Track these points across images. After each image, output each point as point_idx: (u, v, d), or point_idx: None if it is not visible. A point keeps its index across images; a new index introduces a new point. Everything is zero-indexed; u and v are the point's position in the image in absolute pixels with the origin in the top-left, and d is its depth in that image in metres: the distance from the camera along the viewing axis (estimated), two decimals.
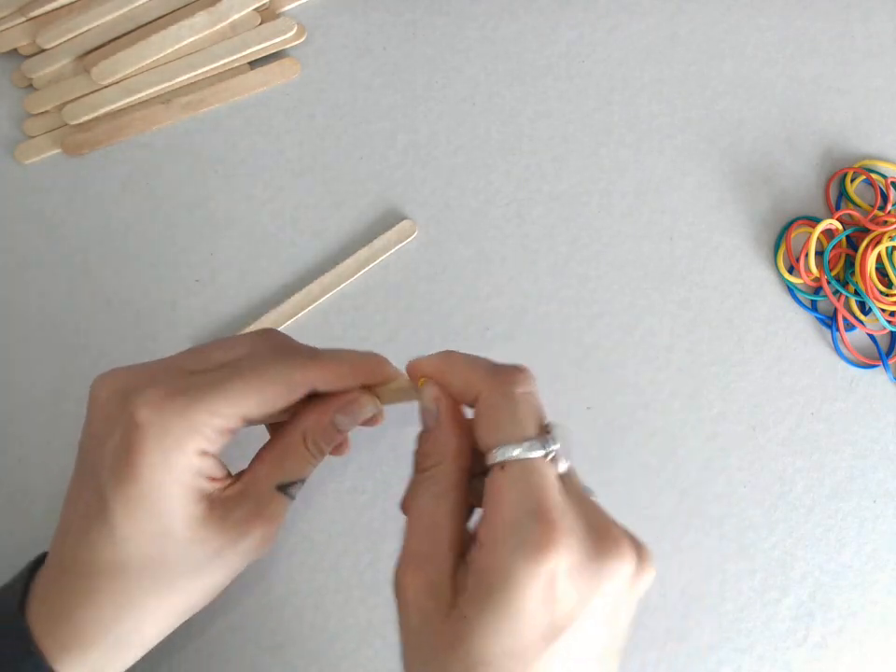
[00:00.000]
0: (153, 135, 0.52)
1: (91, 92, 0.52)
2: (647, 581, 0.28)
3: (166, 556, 0.30)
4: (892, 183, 0.51)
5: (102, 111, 0.51)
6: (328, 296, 0.48)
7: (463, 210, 0.51)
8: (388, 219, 0.50)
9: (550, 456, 0.28)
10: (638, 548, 0.28)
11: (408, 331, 0.48)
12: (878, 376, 0.49)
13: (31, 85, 0.52)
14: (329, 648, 0.43)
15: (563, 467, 0.28)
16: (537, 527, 0.26)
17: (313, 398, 0.33)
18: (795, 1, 0.56)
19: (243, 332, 0.35)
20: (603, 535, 0.27)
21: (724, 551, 0.45)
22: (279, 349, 0.33)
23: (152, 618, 0.31)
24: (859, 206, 0.51)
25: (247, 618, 0.43)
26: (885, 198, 0.51)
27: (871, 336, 0.49)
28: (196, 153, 0.51)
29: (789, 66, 0.54)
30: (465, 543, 0.29)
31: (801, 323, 0.49)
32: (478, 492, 0.30)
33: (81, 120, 0.51)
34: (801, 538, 0.46)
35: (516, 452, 0.28)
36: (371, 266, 0.49)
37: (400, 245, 0.49)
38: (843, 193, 0.52)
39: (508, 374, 0.30)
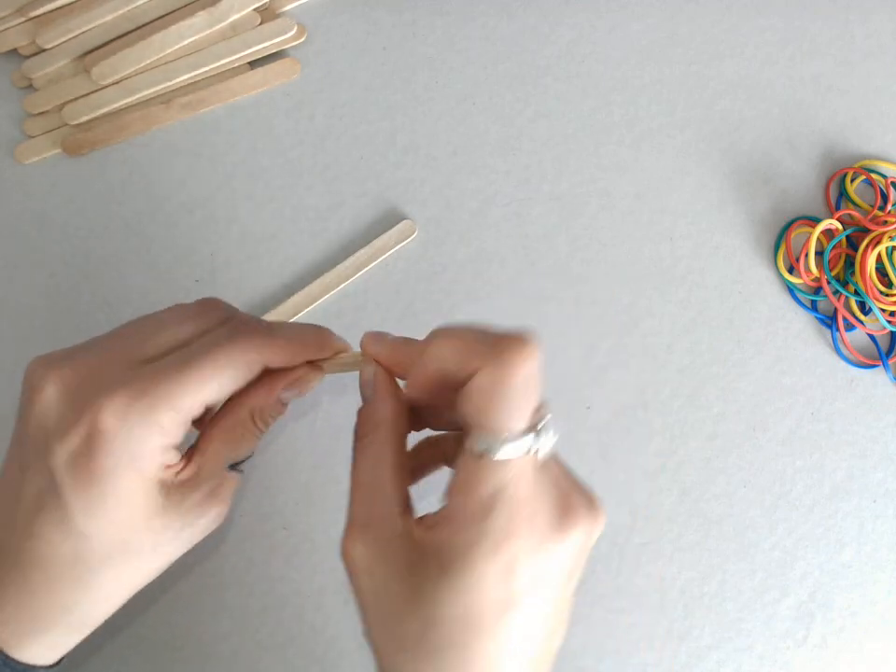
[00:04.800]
0: (153, 135, 0.52)
1: (91, 92, 0.52)
2: (598, 534, 0.29)
3: (126, 546, 0.30)
4: (892, 183, 0.51)
5: (102, 111, 0.51)
6: (328, 296, 0.48)
7: (463, 210, 0.51)
8: (388, 219, 0.50)
9: (531, 452, 0.27)
10: (593, 509, 0.28)
11: (408, 332, 0.48)
12: (878, 376, 0.49)
13: (31, 85, 0.52)
14: (329, 648, 0.43)
15: (544, 454, 0.28)
16: (501, 519, 0.26)
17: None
18: (795, 1, 0.56)
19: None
20: (564, 510, 0.28)
21: (724, 551, 0.45)
22: (227, 324, 0.33)
23: (108, 597, 0.31)
24: (859, 206, 0.51)
25: (247, 618, 0.43)
26: (885, 198, 0.51)
27: (871, 336, 0.49)
28: (196, 153, 0.51)
29: (789, 66, 0.54)
30: (409, 503, 0.29)
31: (801, 323, 0.49)
32: (444, 449, 0.32)
33: (81, 120, 0.51)
34: (801, 538, 0.46)
35: (500, 448, 0.26)
36: (371, 266, 0.49)
37: (400, 245, 0.49)
38: (843, 193, 0.52)
39: (511, 351, 0.27)
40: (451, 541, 0.27)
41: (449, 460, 0.34)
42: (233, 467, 0.33)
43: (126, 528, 0.30)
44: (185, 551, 0.33)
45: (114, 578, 0.31)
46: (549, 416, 0.28)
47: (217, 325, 0.32)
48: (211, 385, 0.30)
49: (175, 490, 0.31)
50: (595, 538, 0.29)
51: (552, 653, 0.29)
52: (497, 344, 0.27)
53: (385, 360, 0.32)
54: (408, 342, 0.32)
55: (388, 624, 0.28)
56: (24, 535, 0.30)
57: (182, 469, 0.32)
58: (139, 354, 0.31)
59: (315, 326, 0.35)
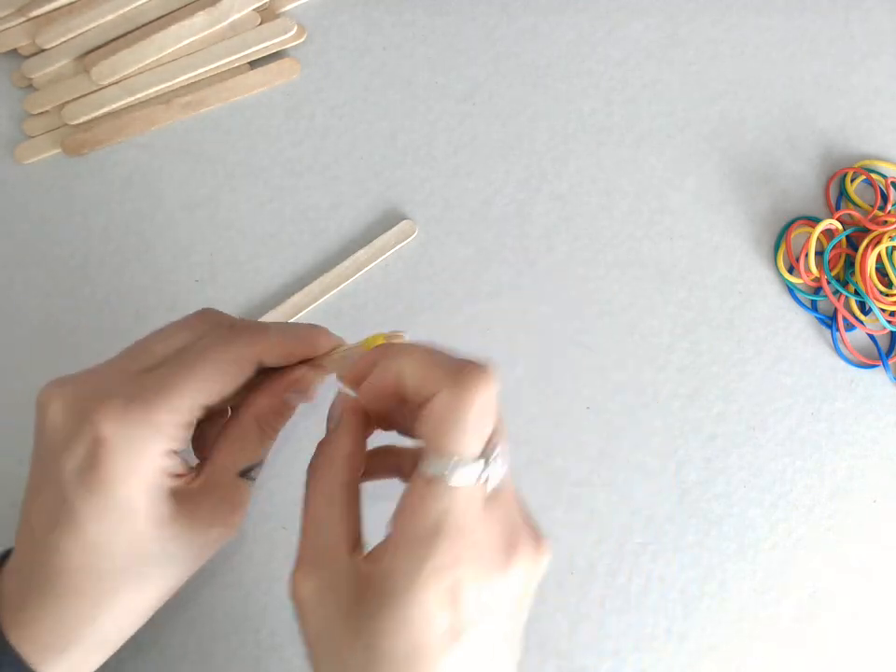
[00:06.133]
0: (153, 135, 0.52)
1: (91, 92, 0.52)
2: (544, 567, 0.29)
3: (138, 556, 0.30)
4: (892, 183, 0.51)
5: (102, 111, 0.51)
6: (328, 296, 0.48)
7: (463, 210, 0.51)
8: (388, 219, 0.50)
9: (482, 480, 0.27)
10: (539, 545, 0.29)
11: (408, 332, 0.48)
12: (878, 376, 0.49)
13: (31, 85, 0.52)
14: None
15: (494, 483, 0.27)
16: (445, 545, 0.26)
17: (261, 376, 0.33)
18: (795, 1, 0.56)
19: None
20: (511, 541, 0.28)
21: (724, 551, 0.45)
22: (220, 328, 0.33)
23: (128, 612, 0.31)
24: (859, 206, 0.51)
25: (247, 618, 0.43)
26: (885, 198, 0.51)
27: (871, 336, 0.49)
28: (196, 153, 0.51)
29: (789, 66, 0.54)
30: (358, 539, 0.29)
31: (801, 323, 0.49)
32: (400, 463, 0.32)
33: (81, 120, 0.51)
34: (801, 538, 0.46)
35: (451, 474, 0.26)
36: (370, 266, 0.49)
37: (400, 245, 0.49)
38: (843, 193, 0.52)
39: (470, 377, 0.27)
40: (393, 569, 0.27)
41: (403, 474, 0.34)
42: (245, 475, 0.33)
43: (137, 538, 0.30)
44: (202, 562, 0.33)
45: (132, 591, 0.31)
46: (500, 447, 0.27)
47: (210, 331, 0.33)
48: (206, 383, 0.31)
49: (186, 499, 0.31)
50: (538, 574, 0.29)
51: None
52: (458, 370, 0.27)
53: (403, 377, 0.30)
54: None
55: (332, 662, 0.28)
56: (43, 550, 0.30)
57: (193, 480, 0.32)
58: (137, 365, 0.31)
59: (309, 324, 0.35)
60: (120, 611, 0.31)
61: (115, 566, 0.30)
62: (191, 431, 0.31)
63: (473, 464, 0.26)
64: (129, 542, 0.30)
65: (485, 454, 0.27)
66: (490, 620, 0.27)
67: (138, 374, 0.31)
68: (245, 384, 0.33)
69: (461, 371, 0.27)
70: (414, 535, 0.26)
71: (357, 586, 0.27)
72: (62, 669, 0.31)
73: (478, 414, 0.27)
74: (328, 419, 0.32)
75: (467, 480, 0.26)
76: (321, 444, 0.32)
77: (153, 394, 0.30)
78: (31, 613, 0.30)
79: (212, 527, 0.32)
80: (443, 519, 0.26)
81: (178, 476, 0.31)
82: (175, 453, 0.31)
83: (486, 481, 0.27)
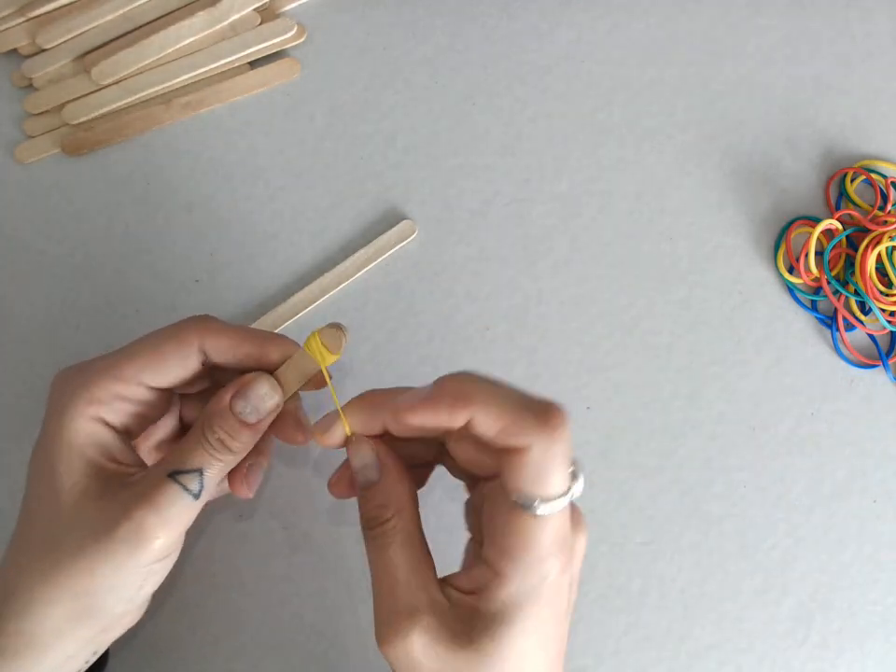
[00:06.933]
0: (153, 135, 0.52)
1: (91, 92, 0.52)
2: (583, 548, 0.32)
3: (54, 525, 0.30)
4: (892, 183, 0.51)
5: (102, 111, 0.51)
6: (328, 296, 0.48)
7: (463, 210, 0.51)
8: (388, 219, 0.50)
9: (571, 498, 0.30)
10: (581, 525, 0.32)
11: (408, 331, 0.48)
12: (878, 376, 0.49)
13: (31, 85, 0.52)
14: (329, 648, 0.43)
15: (576, 495, 0.30)
16: (557, 563, 0.29)
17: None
18: (795, 1, 0.56)
19: None
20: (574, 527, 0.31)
21: (724, 551, 0.45)
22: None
23: (46, 608, 0.30)
24: (859, 206, 0.51)
25: (248, 618, 0.43)
26: (885, 198, 0.51)
27: (871, 336, 0.49)
28: (196, 153, 0.51)
29: (789, 66, 0.54)
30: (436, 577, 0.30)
31: (801, 323, 0.49)
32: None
33: (81, 120, 0.51)
34: (801, 538, 0.46)
35: (553, 507, 0.29)
36: (371, 266, 0.49)
37: (400, 245, 0.49)
38: (843, 193, 0.52)
39: (555, 423, 0.29)
40: (510, 593, 0.28)
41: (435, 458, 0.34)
42: (175, 477, 0.31)
43: (54, 502, 0.31)
44: (119, 579, 0.31)
45: (44, 570, 0.30)
46: (579, 464, 0.30)
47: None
48: (146, 360, 0.32)
49: (114, 484, 0.31)
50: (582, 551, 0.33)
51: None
52: (544, 421, 0.29)
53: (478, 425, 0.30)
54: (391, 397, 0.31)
55: None
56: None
57: (132, 472, 0.32)
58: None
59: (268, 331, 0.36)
60: (35, 597, 0.30)
61: (37, 531, 0.31)
62: (134, 410, 0.32)
63: (567, 493, 0.29)
64: (49, 504, 0.31)
65: (573, 477, 0.30)
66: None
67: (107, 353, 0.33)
68: (195, 378, 0.33)
69: (548, 422, 0.29)
70: (527, 563, 0.28)
71: (460, 620, 0.29)
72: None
73: (564, 455, 0.29)
74: (358, 469, 0.32)
75: (562, 506, 0.29)
76: (371, 494, 0.31)
77: (98, 364, 0.32)
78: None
79: (123, 520, 0.30)
80: (550, 541, 0.29)
81: (118, 463, 0.32)
82: (112, 429, 0.32)
83: (572, 496, 0.30)
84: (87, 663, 0.33)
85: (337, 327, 0.32)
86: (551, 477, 0.28)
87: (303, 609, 0.44)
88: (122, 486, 0.31)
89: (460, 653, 0.28)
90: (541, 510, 0.28)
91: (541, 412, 0.29)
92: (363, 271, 0.49)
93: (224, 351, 0.33)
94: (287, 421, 0.34)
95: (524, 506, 0.28)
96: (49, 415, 0.32)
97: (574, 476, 0.30)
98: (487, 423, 0.29)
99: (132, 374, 0.32)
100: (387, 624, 0.29)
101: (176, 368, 0.32)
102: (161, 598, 0.43)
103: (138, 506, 0.30)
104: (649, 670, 0.44)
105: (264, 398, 0.32)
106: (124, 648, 0.43)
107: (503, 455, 0.29)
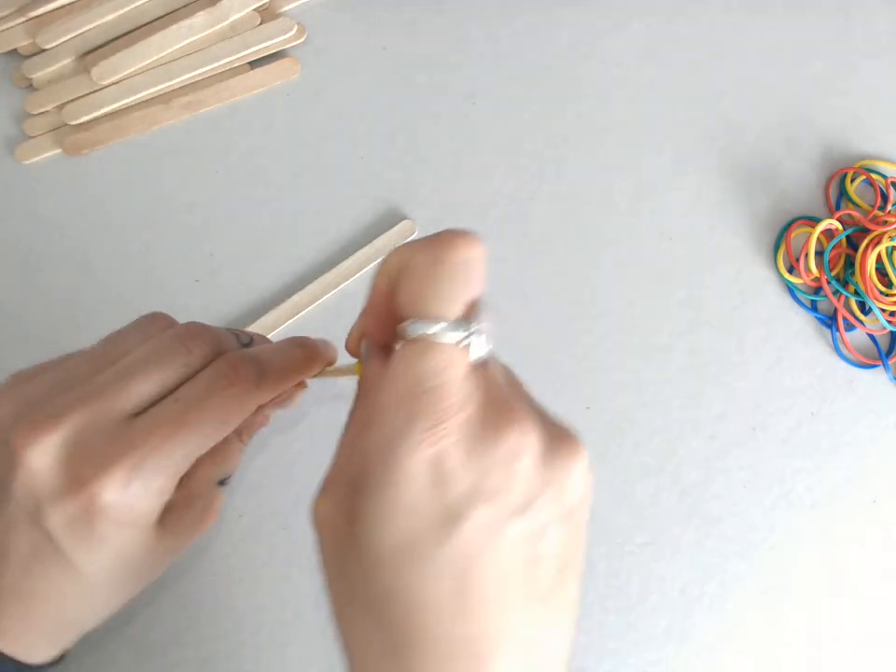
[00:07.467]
0: (153, 135, 0.52)
1: (91, 92, 0.52)
2: (579, 470, 0.25)
3: (128, 573, 0.31)
4: (892, 183, 0.51)
5: (102, 111, 0.51)
6: (328, 296, 0.48)
7: (463, 210, 0.51)
8: (388, 219, 0.50)
9: (463, 344, 0.24)
10: (564, 435, 0.25)
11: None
12: (878, 376, 0.49)
13: (31, 85, 0.52)
14: (329, 648, 0.43)
15: (477, 354, 0.25)
16: (427, 402, 0.23)
17: None
18: (795, 1, 0.56)
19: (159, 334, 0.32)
20: (502, 415, 0.24)
21: (724, 551, 0.45)
22: (216, 367, 0.31)
23: (107, 603, 0.32)
24: (859, 206, 0.51)
25: (247, 618, 0.43)
26: (885, 198, 0.51)
27: (871, 336, 0.49)
28: (196, 153, 0.51)
29: (789, 66, 0.54)
30: None
31: (801, 323, 0.49)
32: None
33: (81, 120, 0.51)
34: (801, 538, 0.46)
35: (427, 331, 0.24)
36: (371, 266, 0.49)
37: None
38: (843, 193, 0.52)
39: (446, 238, 0.25)
40: (368, 444, 0.24)
41: None
42: (223, 483, 0.34)
43: (128, 560, 0.30)
44: (175, 559, 0.33)
45: (112, 591, 0.31)
46: (486, 322, 0.25)
47: (202, 362, 0.31)
48: (207, 440, 0.30)
49: (170, 514, 0.31)
50: (575, 472, 0.25)
51: (546, 608, 0.25)
52: (435, 234, 0.25)
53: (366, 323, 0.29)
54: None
55: (336, 582, 0.26)
56: (22, 575, 0.29)
57: (174, 494, 0.31)
58: (126, 405, 0.29)
59: (300, 342, 0.33)
60: (98, 604, 0.32)
61: (104, 583, 0.30)
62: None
63: (452, 322, 0.24)
64: (119, 566, 0.30)
65: (468, 319, 0.25)
66: (488, 511, 0.23)
67: (130, 420, 0.29)
68: None
69: (436, 234, 0.25)
70: (396, 397, 0.24)
71: (354, 481, 0.24)
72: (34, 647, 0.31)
73: (457, 273, 0.24)
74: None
75: (444, 338, 0.24)
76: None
77: (156, 460, 0.28)
78: (15, 629, 0.30)
79: (194, 536, 0.32)
80: (424, 376, 0.24)
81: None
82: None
83: (468, 346, 0.25)
84: None
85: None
86: (424, 293, 0.24)
87: (303, 609, 0.44)
88: (176, 511, 0.32)
89: (343, 516, 0.25)
90: (409, 329, 0.24)
91: (436, 233, 0.25)
92: (363, 271, 0.49)
93: (275, 395, 0.33)
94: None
95: (398, 331, 0.25)
96: (108, 519, 0.29)
97: (474, 315, 0.25)
98: (396, 261, 0.26)
99: (192, 458, 0.30)
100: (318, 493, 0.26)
101: (231, 430, 0.31)
102: (160, 597, 0.43)
103: (204, 521, 0.33)
104: (649, 670, 0.44)
105: (295, 400, 0.35)
106: (124, 647, 0.43)
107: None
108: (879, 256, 0.49)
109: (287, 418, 0.46)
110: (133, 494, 0.28)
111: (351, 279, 0.48)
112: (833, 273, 0.50)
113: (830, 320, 0.49)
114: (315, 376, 0.34)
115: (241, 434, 0.34)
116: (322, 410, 0.46)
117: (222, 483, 0.34)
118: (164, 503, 0.30)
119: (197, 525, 0.33)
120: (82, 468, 0.28)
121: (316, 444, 0.46)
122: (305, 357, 0.33)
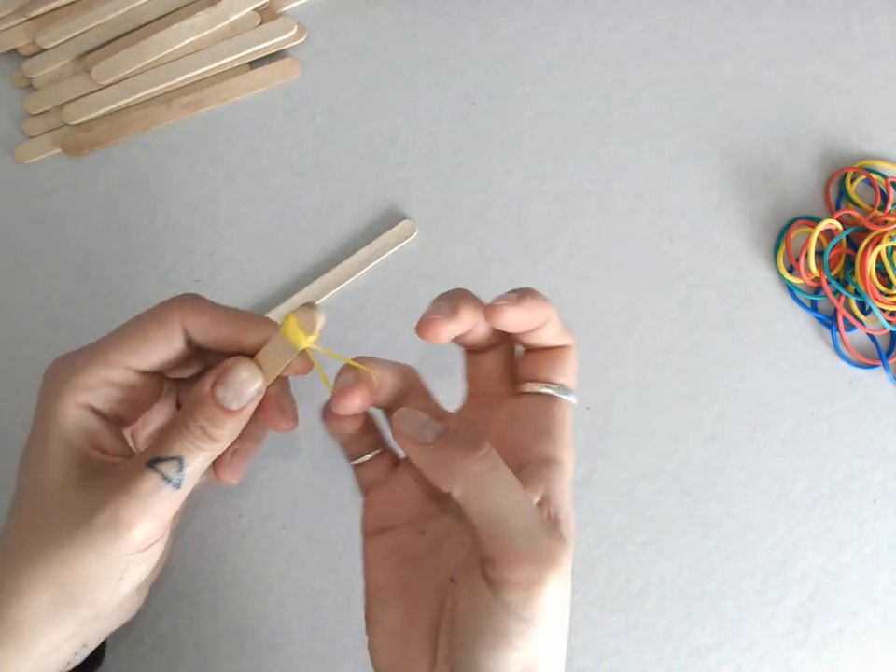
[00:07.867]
0: (153, 135, 0.52)
1: (91, 92, 0.52)
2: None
3: (39, 513, 0.30)
4: (892, 183, 0.51)
5: (102, 111, 0.51)
6: (328, 296, 0.48)
7: (463, 210, 0.51)
8: (388, 219, 0.50)
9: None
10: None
11: (408, 331, 0.48)
12: (878, 376, 0.49)
13: (31, 85, 0.52)
14: (328, 648, 0.43)
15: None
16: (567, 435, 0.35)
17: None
18: (795, 1, 0.56)
19: None
20: None
21: (724, 551, 0.45)
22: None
23: (30, 594, 0.30)
24: (859, 206, 0.51)
25: (247, 618, 0.43)
26: (885, 198, 0.51)
27: (871, 336, 0.49)
28: (196, 153, 0.51)
29: (789, 66, 0.54)
30: None
31: (801, 323, 0.49)
32: None
33: (81, 120, 0.51)
34: (801, 538, 0.46)
35: (569, 395, 0.34)
36: (371, 266, 0.49)
37: (400, 245, 0.49)
38: (843, 193, 0.52)
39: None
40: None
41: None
42: (154, 467, 0.30)
43: (39, 490, 0.30)
44: (113, 552, 0.30)
45: (28, 554, 0.30)
46: None
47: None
48: (130, 340, 0.32)
49: (98, 469, 0.31)
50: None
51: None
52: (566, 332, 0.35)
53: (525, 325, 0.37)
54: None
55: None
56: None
57: (112, 458, 0.32)
58: None
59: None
60: (22, 580, 0.30)
61: (22, 518, 0.31)
62: (123, 395, 0.32)
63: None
64: (35, 492, 0.31)
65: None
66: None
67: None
68: (182, 359, 0.33)
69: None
70: (567, 443, 0.34)
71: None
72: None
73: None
74: (417, 432, 0.30)
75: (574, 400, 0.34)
76: (450, 435, 0.30)
77: (85, 351, 0.32)
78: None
79: (100, 509, 0.29)
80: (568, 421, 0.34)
81: (103, 452, 0.31)
82: (99, 415, 0.31)
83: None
84: (76, 655, 0.32)
85: (310, 306, 0.30)
86: (574, 372, 0.34)
87: (303, 609, 0.44)
88: (105, 475, 0.31)
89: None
90: (573, 398, 0.33)
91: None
92: (363, 271, 0.49)
93: (205, 332, 0.32)
94: (270, 406, 0.33)
95: (562, 396, 0.33)
96: (38, 404, 0.32)
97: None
98: (551, 327, 0.35)
99: (117, 358, 0.31)
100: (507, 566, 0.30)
101: (160, 349, 0.32)
102: (160, 597, 0.43)
103: (115, 495, 0.29)
104: (649, 670, 0.44)
105: (244, 383, 0.31)
106: (123, 647, 0.43)
107: (544, 353, 0.34)
108: (879, 256, 0.49)
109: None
110: (56, 372, 0.32)
111: (351, 279, 0.48)
112: (833, 273, 0.50)
113: (830, 320, 0.49)
114: (261, 361, 0.31)
115: (185, 415, 0.31)
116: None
117: (155, 465, 0.30)
118: (84, 405, 0.31)
119: (108, 495, 0.29)
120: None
121: (316, 444, 0.46)
122: (241, 311, 0.33)
